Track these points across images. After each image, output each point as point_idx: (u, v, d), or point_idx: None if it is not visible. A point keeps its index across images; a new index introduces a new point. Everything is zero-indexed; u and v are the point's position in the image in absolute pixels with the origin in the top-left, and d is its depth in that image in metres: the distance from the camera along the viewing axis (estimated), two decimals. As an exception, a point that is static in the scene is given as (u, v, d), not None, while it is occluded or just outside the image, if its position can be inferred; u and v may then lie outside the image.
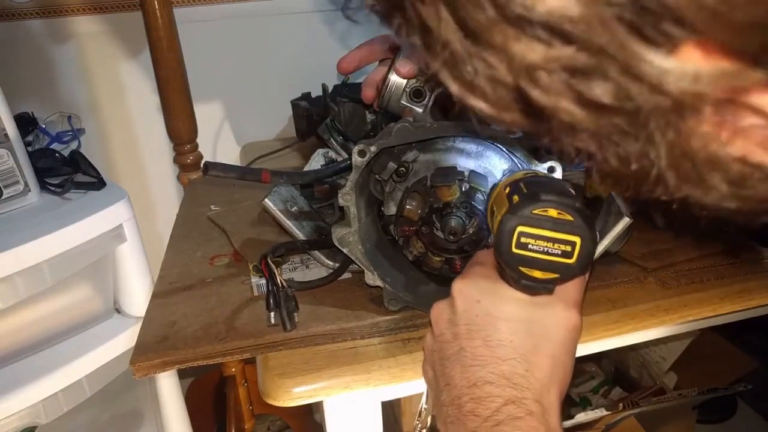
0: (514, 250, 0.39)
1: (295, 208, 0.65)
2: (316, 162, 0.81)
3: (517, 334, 0.41)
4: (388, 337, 0.55)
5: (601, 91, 0.21)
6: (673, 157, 0.24)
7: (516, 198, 0.40)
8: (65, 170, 0.88)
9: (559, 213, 0.38)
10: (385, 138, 0.53)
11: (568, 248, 0.39)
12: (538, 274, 0.40)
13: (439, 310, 0.46)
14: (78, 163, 0.89)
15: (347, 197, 0.55)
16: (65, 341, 0.81)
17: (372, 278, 0.57)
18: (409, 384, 0.53)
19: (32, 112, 1.03)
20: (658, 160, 0.24)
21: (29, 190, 0.81)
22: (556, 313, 0.42)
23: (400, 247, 0.61)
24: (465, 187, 0.56)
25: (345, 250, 0.57)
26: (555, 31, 0.20)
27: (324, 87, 0.96)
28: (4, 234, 0.72)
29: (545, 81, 0.22)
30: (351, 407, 0.55)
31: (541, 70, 0.21)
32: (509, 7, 0.20)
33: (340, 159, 0.79)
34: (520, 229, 0.39)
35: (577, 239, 0.38)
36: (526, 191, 0.40)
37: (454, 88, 0.24)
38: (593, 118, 0.22)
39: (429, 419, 0.52)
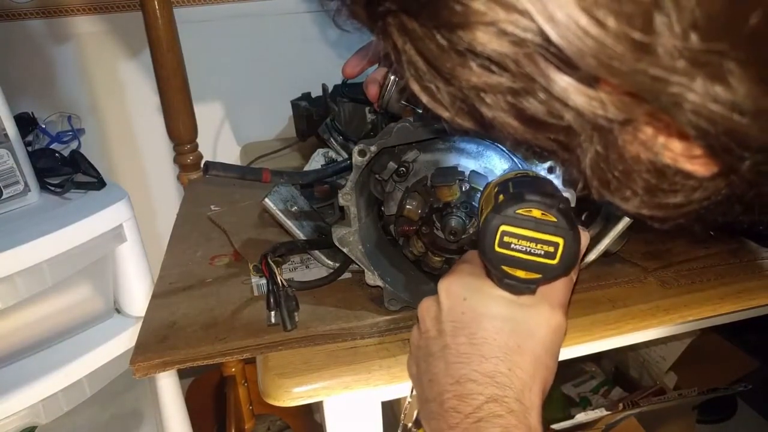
0: (497, 249, 0.39)
1: (295, 208, 0.65)
2: (316, 162, 0.81)
3: (502, 332, 0.41)
4: (388, 337, 0.55)
5: (536, 109, 0.25)
6: (597, 167, 0.28)
7: (501, 197, 0.40)
8: (65, 170, 0.88)
9: (542, 214, 0.38)
10: (386, 138, 0.53)
11: (551, 249, 0.39)
12: (521, 273, 0.40)
13: (426, 307, 0.46)
14: (78, 163, 0.89)
15: (347, 197, 0.55)
16: (65, 341, 0.81)
17: (372, 278, 0.57)
18: (409, 384, 0.53)
19: (32, 112, 1.03)
20: (585, 169, 0.28)
21: (29, 190, 0.81)
22: (540, 313, 0.42)
23: (400, 247, 0.61)
24: (465, 187, 0.56)
25: (345, 250, 0.57)
26: (493, 61, 0.24)
27: (324, 87, 0.96)
28: (4, 234, 0.72)
29: (490, 100, 0.26)
30: (351, 407, 0.55)
31: (485, 91, 0.26)
32: (455, 41, 0.24)
33: (340, 159, 0.79)
34: (503, 228, 0.39)
35: (560, 240, 0.38)
36: (512, 191, 0.40)
37: (423, 98, 0.28)
38: (532, 132, 0.27)
39: (414, 413, 0.52)
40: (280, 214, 0.64)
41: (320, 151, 0.83)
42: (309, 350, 0.54)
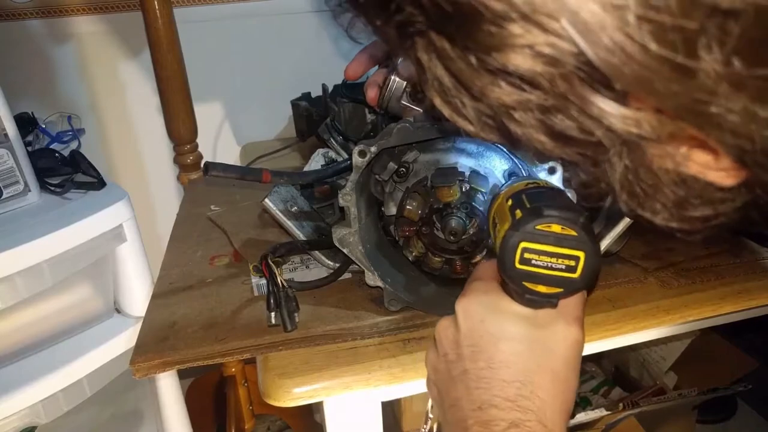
0: (518, 265, 0.39)
1: (295, 209, 0.65)
2: (316, 162, 0.81)
3: (521, 355, 0.41)
4: (388, 337, 0.55)
5: (566, 126, 0.25)
6: (626, 181, 0.28)
7: (518, 213, 0.40)
8: (65, 170, 0.88)
9: (562, 228, 0.38)
10: (386, 138, 0.53)
11: (572, 263, 0.39)
12: (542, 288, 0.40)
13: (443, 328, 0.46)
14: (78, 163, 0.89)
15: (347, 198, 0.55)
16: (65, 341, 0.81)
17: (372, 278, 0.57)
18: (409, 384, 0.53)
19: (32, 112, 1.02)
20: (614, 184, 0.28)
21: (29, 190, 0.81)
22: (557, 330, 0.42)
23: (400, 247, 0.61)
24: (465, 187, 0.56)
25: (345, 251, 0.57)
26: (525, 80, 0.24)
27: (324, 87, 0.96)
28: (4, 234, 0.72)
29: (519, 116, 0.26)
30: (351, 407, 0.55)
31: (515, 109, 0.26)
32: (487, 61, 0.24)
33: (340, 159, 0.79)
34: (523, 245, 0.39)
35: (581, 254, 0.38)
36: (529, 206, 0.40)
37: (445, 111, 0.28)
38: (561, 147, 0.27)
39: (435, 426, 0.52)
40: (280, 215, 0.64)
41: (320, 151, 0.83)
42: (309, 350, 0.54)
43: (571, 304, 0.43)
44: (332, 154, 0.83)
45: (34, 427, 0.78)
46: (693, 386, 1.06)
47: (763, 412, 1.31)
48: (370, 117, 0.85)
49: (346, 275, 0.64)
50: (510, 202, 0.42)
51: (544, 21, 0.22)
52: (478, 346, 0.42)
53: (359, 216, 0.56)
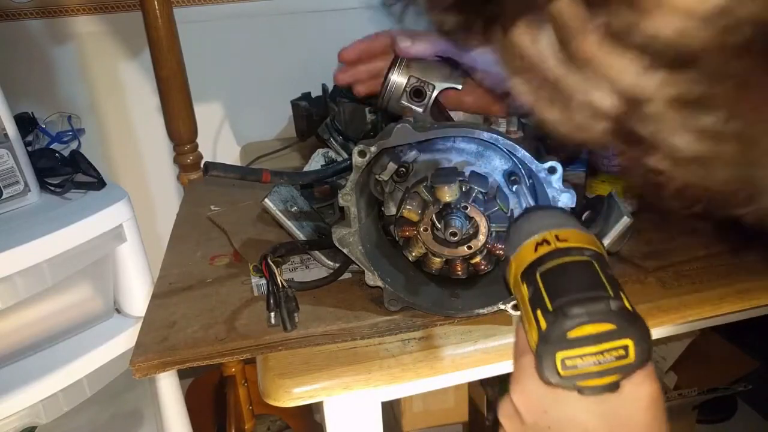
0: (563, 374, 0.35)
1: (295, 209, 0.65)
2: (316, 162, 0.81)
3: None
4: (388, 337, 0.55)
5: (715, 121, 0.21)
6: None
7: (542, 319, 0.36)
8: (65, 170, 0.88)
9: (595, 326, 0.34)
10: (385, 138, 0.53)
11: (622, 352, 0.35)
12: (597, 382, 0.36)
13: (507, 417, 0.42)
14: (78, 163, 0.89)
15: (347, 197, 0.55)
16: (65, 341, 0.81)
17: (372, 278, 0.57)
18: (409, 384, 0.53)
19: (32, 112, 1.02)
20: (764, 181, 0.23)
21: (29, 190, 0.81)
22: (628, 396, 0.37)
23: (400, 247, 0.61)
24: (465, 187, 0.56)
25: (345, 251, 0.57)
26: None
27: (324, 87, 0.96)
28: (4, 234, 0.72)
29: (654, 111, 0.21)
30: (351, 407, 0.55)
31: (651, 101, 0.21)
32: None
33: (340, 159, 0.79)
34: (560, 356, 0.35)
35: (628, 342, 0.34)
36: (551, 307, 0.36)
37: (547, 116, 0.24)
38: (702, 144, 0.22)
39: None
40: (280, 215, 0.64)
41: (320, 151, 0.83)
42: (309, 351, 0.54)
43: None
44: (332, 154, 0.83)
45: (34, 427, 0.78)
46: (693, 386, 1.06)
47: (763, 412, 1.31)
48: (370, 117, 0.85)
49: (346, 275, 0.64)
50: (526, 290, 0.38)
51: None
52: None
53: (359, 216, 0.56)
